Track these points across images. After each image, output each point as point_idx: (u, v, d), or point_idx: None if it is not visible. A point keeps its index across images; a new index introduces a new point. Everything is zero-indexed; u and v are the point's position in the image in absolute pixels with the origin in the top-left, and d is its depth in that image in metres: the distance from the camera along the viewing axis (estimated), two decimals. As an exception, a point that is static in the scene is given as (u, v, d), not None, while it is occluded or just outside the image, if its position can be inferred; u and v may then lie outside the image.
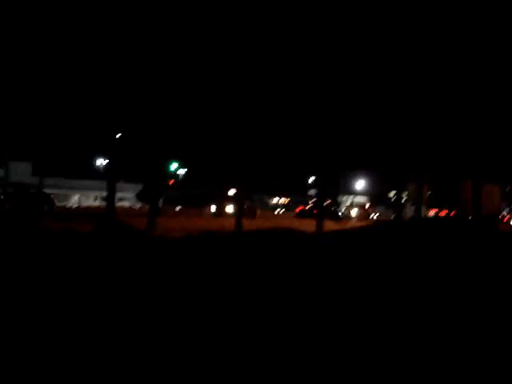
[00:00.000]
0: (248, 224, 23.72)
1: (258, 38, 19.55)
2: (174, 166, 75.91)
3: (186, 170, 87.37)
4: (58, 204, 66.29)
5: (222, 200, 47.92)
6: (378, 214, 71.61)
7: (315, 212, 42.50)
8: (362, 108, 23.92)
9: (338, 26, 19.80)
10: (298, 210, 49.57)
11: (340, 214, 51.77)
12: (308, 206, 46.64)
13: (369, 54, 21.03)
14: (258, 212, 47.30)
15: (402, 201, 43.12)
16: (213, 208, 47.39)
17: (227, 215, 41.76)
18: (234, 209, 44.31)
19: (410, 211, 49.70)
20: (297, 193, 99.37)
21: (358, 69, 21.48)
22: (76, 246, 11.14)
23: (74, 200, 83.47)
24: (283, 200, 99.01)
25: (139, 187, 23.18)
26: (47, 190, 65.46)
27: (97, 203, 78.04)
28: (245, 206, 47.07)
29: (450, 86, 22.59)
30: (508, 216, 56.12)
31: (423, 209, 44.01)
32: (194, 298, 6.57)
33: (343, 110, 22.80)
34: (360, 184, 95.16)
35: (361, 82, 22.04)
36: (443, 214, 48.13)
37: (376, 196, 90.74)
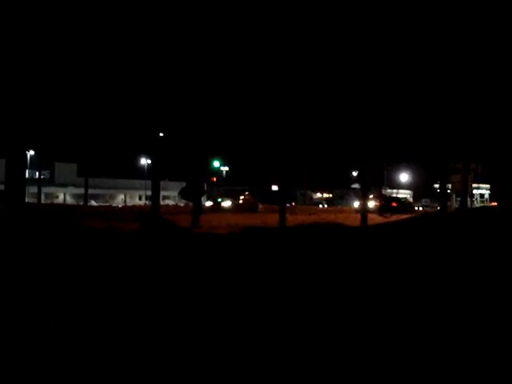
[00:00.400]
0: (292, 219, 23.71)
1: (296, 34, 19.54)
2: (216, 163, 76.30)
3: (228, 167, 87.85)
4: (103, 204, 67.21)
5: (219, 195, 50.00)
6: (423, 206, 71.07)
7: (394, 205, 43.37)
8: (404, 98, 23.79)
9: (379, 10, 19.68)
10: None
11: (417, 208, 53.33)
12: (381, 202, 46.64)
13: (409, 41, 20.88)
14: (261, 206, 47.46)
15: (448, 192, 42.71)
16: (208, 203, 49.06)
17: (223, 209, 42.36)
18: (232, 203, 45.08)
19: (455, 203, 49.15)
20: (339, 187, 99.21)
21: (400, 57, 21.35)
22: (120, 243, 11.25)
23: (120, 199, 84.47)
24: (326, 195, 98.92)
25: (183, 185, 23.32)
26: (92, 191, 66.14)
27: (142, 202, 78.92)
28: (241, 200, 47.50)
29: (499, 74, 22.28)
30: None
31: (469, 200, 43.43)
32: (245, 294, 6.60)
33: (384, 102, 22.68)
34: (404, 177, 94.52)
35: (403, 70, 21.90)
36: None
37: (420, 188, 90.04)
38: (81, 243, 10.85)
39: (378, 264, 8.48)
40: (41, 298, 6.29)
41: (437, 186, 64.83)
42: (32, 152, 68.94)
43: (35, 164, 66.54)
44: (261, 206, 47.22)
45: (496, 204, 50.77)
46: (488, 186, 71.98)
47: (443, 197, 34.02)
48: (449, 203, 45.78)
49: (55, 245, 10.39)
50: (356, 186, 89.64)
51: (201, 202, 21.66)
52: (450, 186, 45.51)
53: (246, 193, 52.46)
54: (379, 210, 42.17)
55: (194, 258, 9.19)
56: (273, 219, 23.12)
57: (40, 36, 15.27)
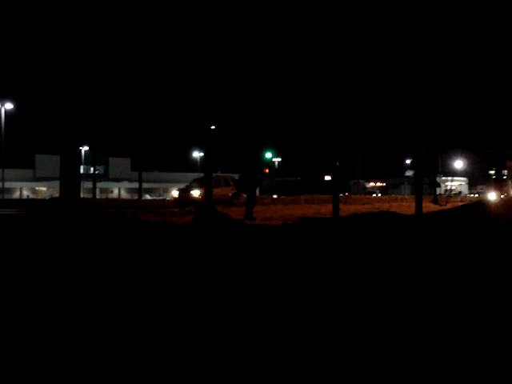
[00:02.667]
0: (346, 209, 23.61)
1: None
2: (268, 154, 76.31)
3: (280, 158, 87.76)
4: (157, 197, 67.86)
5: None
6: (478, 193, 70.14)
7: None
8: (458, 84, 23.45)
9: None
10: None
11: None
12: None
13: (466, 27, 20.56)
14: (243, 197, 41.49)
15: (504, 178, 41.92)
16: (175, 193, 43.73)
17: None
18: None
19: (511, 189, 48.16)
20: (393, 176, 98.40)
21: (453, 44, 21.05)
22: (175, 237, 11.33)
23: (174, 192, 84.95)
24: (379, 184, 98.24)
25: (235, 177, 23.36)
26: (146, 185, 66.75)
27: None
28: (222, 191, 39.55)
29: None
30: None
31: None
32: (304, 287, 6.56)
33: (437, 88, 22.39)
34: (459, 164, 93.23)
35: (455, 56, 21.59)
36: None
37: (475, 175, 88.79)
38: (137, 237, 10.95)
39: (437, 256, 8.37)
40: (92, 293, 6.35)
41: (492, 172, 63.80)
42: (86, 148, 69.89)
43: (90, 159, 67.45)
44: (244, 197, 39.67)
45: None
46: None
47: (498, 183, 33.43)
48: (505, 190, 44.85)
49: (111, 239, 10.49)
50: (409, 173, 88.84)
51: (255, 193, 21.63)
52: (505, 172, 44.64)
53: None
54: None
55: (248, 250, 9.19)
56: (326, 209, 23.04)
57: (97, 34, 15.44)
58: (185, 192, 39.93)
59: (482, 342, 4.45)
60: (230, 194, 39.03)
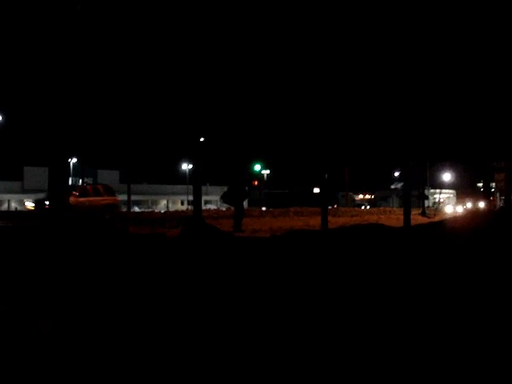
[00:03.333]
0: (335, 221, 23.64)
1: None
2: (257, 166, 76.27)
3: (269, 170, 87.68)
4: (145, 209, 67.74)
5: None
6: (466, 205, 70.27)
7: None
8: (446, 97, 23.56)
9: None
10: None
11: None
12: None
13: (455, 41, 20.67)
14: (119, 209, 37.95)
15: (492, 191, 42.11)
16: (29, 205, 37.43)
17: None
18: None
19: (499, 201, 48.39)
20: (381, 188, 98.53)
21: (443, 57, 21.17)
22: (165, 247, 11.32)
23: (162, 205, 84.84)
24: (368, 196, 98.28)
25: (224, 190, 23.36)
26: (135, 197, 66.64)
27: (184, 207, 79.27)
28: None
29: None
30: None
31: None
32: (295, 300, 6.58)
33: (426, 101, 22.49)
34: (447, 176, 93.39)
35: (444, 69, 21.71)
36: None
37: (464, 188, 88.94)
38: (127, 249, 10.94)
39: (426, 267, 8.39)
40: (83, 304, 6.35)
41: (481, 185, 64.01)
42: (75, 160, 69.68)
43: (78, 171, 67.23)
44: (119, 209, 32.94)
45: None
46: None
47: (486, 196, 33.61)
48: (493, 202, 45.00)
49: (102, 252, 10.48)
50: (397, 186, 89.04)
51: (243, 206, 21.64)
52: (493, 184, 44.72)
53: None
54: None
55: (237, 263, 9.19)
56: (315, 221, 23.06)
57: (87, 45, 15.49)
58: (42, 204, 34.58)
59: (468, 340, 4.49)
60: (102, 205, 34.22)
